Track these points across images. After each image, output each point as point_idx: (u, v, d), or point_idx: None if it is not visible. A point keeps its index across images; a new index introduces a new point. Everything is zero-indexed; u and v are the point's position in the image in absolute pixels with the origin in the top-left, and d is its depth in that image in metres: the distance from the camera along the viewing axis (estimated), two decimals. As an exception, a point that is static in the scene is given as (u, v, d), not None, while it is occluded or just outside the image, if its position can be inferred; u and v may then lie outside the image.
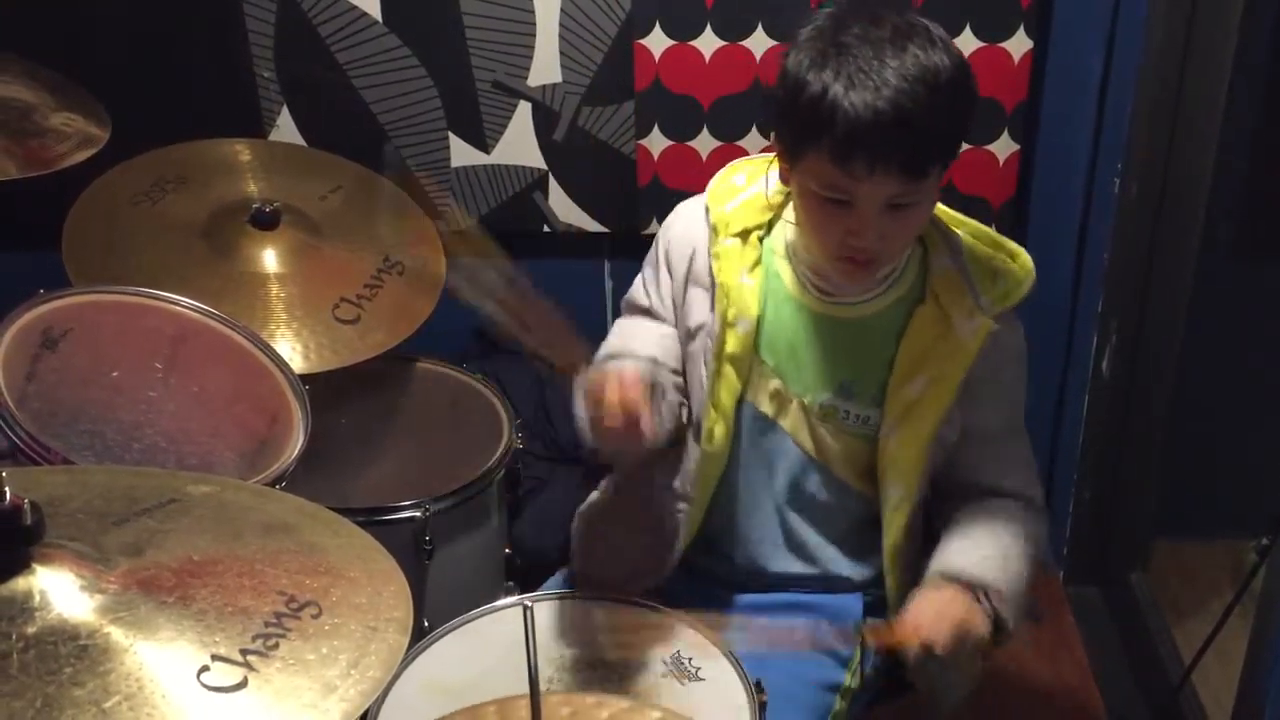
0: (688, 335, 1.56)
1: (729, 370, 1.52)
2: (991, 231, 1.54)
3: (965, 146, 2.24)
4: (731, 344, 1.50)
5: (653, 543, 1.63)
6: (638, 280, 1.64)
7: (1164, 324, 2.26)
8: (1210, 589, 2.39)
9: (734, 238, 1.51)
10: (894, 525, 1.53)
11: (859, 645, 1.57)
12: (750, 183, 1.54)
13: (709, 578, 1.65)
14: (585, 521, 1.74)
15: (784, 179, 1.45)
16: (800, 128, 1.35)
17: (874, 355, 1.49)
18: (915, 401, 1.47)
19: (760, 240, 1.52)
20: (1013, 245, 1.53)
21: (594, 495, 1.76)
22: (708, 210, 1.54)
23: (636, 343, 1.57)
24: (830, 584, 1.62)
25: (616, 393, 1.35)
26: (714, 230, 1.51)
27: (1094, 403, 2.37)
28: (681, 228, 1.57)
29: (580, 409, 1.43)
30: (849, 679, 1.57)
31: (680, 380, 1.57)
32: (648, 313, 1.61)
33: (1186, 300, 2.24)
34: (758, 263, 1.51)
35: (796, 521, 1.60)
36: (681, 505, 1.62)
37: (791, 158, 1.39)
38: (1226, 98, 2.08)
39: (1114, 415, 2.36)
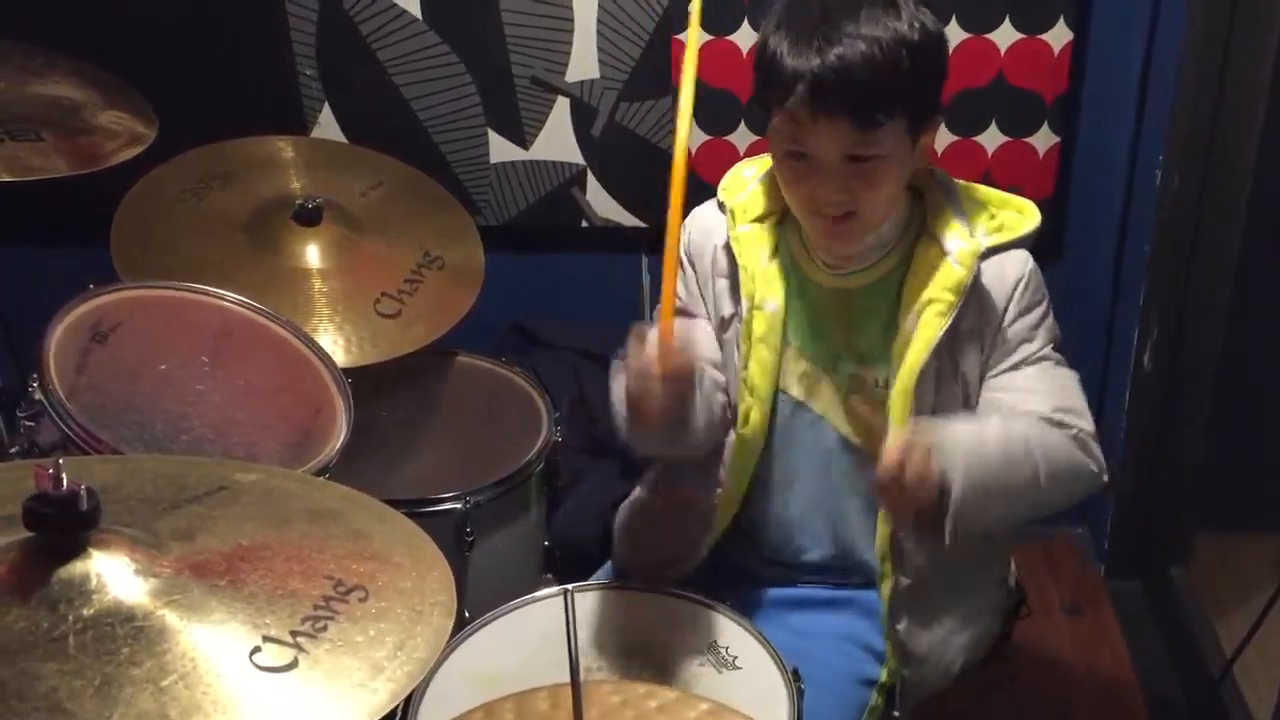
0: (721, 325, 1.59)
1: (761, 351, 1.54)
2: (1004, 193, 1.56)
3: (1003, 139, 2.27)
4: (760, 325, 1.53)
5: (691, 534, 1.64)
6: None
7: (1206, 316, 2.24)
8: (1252, 582, 2.36)
9: (751, 223, 1.56)
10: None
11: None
12: (759, 174, 1.59)
13: (739, 571, 1.66)
14: (626, 516, 1.75)
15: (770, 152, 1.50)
16: (760, 89, 1.44)
17: (886, 316, 1.51)
18: (911, 331, 1.47)
19: (777, 225, 1.56)
20: (1021, 200, 1.55)
21: (635, 492, 1.77)
22: (722, 204, 1.59)
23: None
24: (860, 573, 1.62)
25: (658, 355, 1.36)
26: (731, 216, 1.56)
27: (1136, 395, 2.35)
28: (701, 223, 1.62)
29: (618, 399, 1.45)
30: (884, 675, 1.58)
31: (719, 375, 1.59)
32: (681, 311, 1.63)
33: (1229, 292, 2.21)
34: (776, 249, 1.55)
35: (833, 507, 1.60)
36: (719, 492, 1.63)
37: (765, 125, 1.45)
38: (1269, 88, 2.05)
39: (1156, 408, 2.35)
